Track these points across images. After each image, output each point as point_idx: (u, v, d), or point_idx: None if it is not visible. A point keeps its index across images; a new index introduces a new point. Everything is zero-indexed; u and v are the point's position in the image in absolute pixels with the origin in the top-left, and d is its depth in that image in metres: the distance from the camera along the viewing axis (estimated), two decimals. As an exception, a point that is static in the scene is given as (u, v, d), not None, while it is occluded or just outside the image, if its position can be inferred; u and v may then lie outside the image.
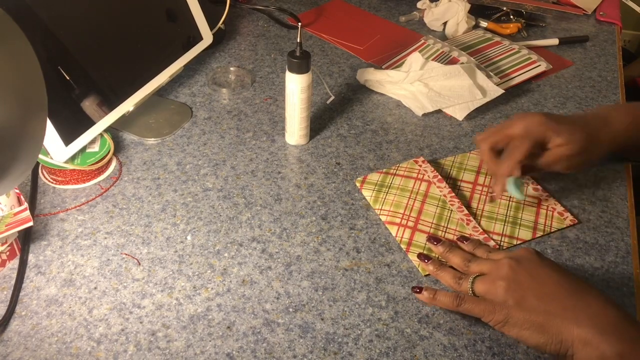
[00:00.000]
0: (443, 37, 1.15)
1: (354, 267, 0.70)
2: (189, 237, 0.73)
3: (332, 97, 0.96)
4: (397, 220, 0.74)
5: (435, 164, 0.83)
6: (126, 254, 0.71)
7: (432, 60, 1.00)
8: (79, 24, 0.81)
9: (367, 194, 0.78)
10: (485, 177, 0.81)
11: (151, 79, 0.90)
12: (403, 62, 1.02)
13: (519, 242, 0.73)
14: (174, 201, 0.78)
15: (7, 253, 0.68)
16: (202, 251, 0.71)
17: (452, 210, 0.75)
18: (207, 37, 1.00)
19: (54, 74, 0.77)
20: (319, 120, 0.92)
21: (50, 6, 0.76)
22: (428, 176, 0.80)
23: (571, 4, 1.26)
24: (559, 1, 1.27)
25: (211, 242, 0.73)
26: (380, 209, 0.76)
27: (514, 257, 0.63)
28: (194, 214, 0.76)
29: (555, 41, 1.14)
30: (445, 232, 0.73)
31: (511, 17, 1.19)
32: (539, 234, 0.74)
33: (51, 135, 0.76)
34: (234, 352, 0.61)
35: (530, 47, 1.09)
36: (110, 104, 0.84)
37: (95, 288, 0.67)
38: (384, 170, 0.81)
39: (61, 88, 0.78)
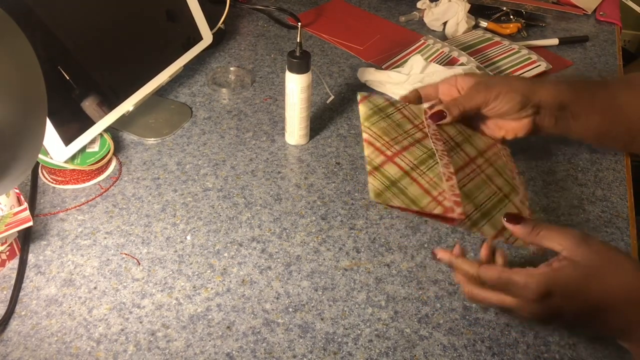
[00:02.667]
0: (443, 37, 1.15)
1: (354, 267, 0.70)
2: (188, 237, 0.73)
3: (332, 97, 0.96)
4: (377, 144, 0.70)
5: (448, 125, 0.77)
6: (126, 254, 0.71)
7: (432, 60, 1.00)
8: (79, 24, 0.81)
9: (363, 109, 0.74)
10: (484, 162, 0.75)
11: (151, 79, 0.90)
12: (403, 62, 1.03)
13: (478, 234, 0.69)
14: (173, 201, 0.78)
15: (7, 253, 0.68)
16: (202, 251, 0.71)
17: (437, 162, 0.70)
18: (207, 37, 1.00)
19: (54, 74, 0.77)
20: (319, 120, 0.92)
21: (50, 6, 0.76)
22: (428, 131, 0.74)
23: (571, 4, 1.26)
24: (559, 1, 1.27)
25: (211, 242, 0.73)
26: (367, 128, 0.72)
27: (547, 293, 0.56)
28: (193, 214, 0.76)
29: (555, 41, 1.14)
30: (421, 176, 0.68)
31: (511, 17, 1.19)
32: (501, 239, 0.68)
33: (51, 135, 0.76)
34: (233, 352, 0.61)
35: (530, 47, 1.09)
36: (110, 104, 0.84)
37: (95, 288, 0.67)
38: (392, 100, 0.77)
39: (61, 88, 0.78)
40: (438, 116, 0.73)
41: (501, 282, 0.58)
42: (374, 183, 0.65)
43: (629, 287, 0.56)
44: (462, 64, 0.99)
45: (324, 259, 0.71)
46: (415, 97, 0.77)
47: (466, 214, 0.67)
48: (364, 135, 0.70)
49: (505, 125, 0.76)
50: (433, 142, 0.73)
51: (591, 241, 0.58)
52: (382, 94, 0.98)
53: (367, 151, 0.69)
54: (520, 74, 1.01)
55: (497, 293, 0.59)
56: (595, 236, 0.61)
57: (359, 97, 0.74)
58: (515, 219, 0.63)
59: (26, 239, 0.71)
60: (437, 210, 0.64)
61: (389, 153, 0.69)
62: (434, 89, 0.77)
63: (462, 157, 0.74)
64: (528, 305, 0.57)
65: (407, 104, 0.76)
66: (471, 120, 0.76)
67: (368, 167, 0.67)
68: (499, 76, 0.78)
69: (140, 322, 0.64)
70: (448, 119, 0.73)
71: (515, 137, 0.75)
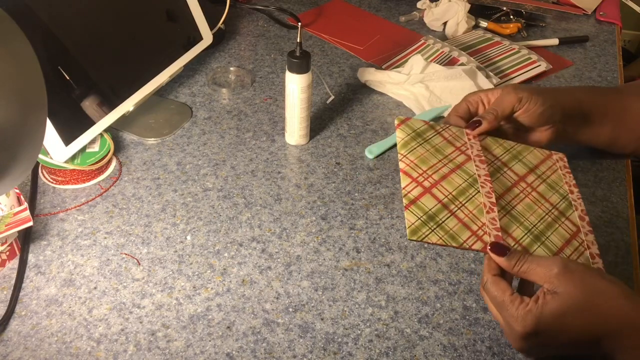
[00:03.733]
0: (443, 37, 1.15)
1: (354, 267, 0.70)
2: (188, 237, 0.73)
3: (332, 97, 0.96)
4: (414, 175, 0.67)
5: (493, 140, 0.74)
6: (126, 254, 0.71)
7: (432, 60, 1.00)
8: (79, 24, 0.81)
9: (401, 135, 0.72)
10: (536, 179, 0.71)
11: (151, 79, 0.90)
12: (403, 62, 1.02)
13: None
14: (173, 201, 0.78)
15: (7, 253, 0.68)
16: (202, 251, 0.71)
17: (478, 191, 0.66)
18: (207, 37, 1.00)
19: (54, 74, 0.77)
20: (319, 120, 0.92)
21: (50, 6, 0.76)
22: (471, 152, 0.71)
23: (571, 4, 1.26)
24: (559, 1, 1.27)
25: (211, 242, 0.73)
26: (404, 156, 0.70)
27: (534, 330, 0.55)
28: (194, 214, 0.76)
29: (555, 41, 1.14)
30: (460, 209, 0.65)
31: (511, 17, 1.19)
32: None
33: (51, 135, 0.76)
34: (233, 352, 0.61)
35: (530, 47, 1.09)
36: (110, 104, 0.84)
37: (95, 288, 0.67)
38: (431, 122, 0.75)
39: (61, 88, 0.78)
40: (473, 125, 0.72)
41: (496, 303, 0.58)
42: (410, 219, 0.62)
43: (619, 314, 0.55)
44: (462, 64, 0.99)
45: (324, 259, 0.71)
46: (455, 119, 0.75)
47: (516, 239, 0.63)
48: (401, 165, 0.68)
49: (530, 136, 0.77)
50: (476, 165, 0.70)
51: (573, 269, 0.56)
52: (381, 94, 0.98)
53: (404, 183, 0.66)
54: (521, 74, 1.01)
55: (494, 308, 0.59)
56: (576, 262, 0.60)
57: (396, 122, 0.73)
58: (501, 250, 0.60)
59: (26, 239, 0.71)
60: (477, 246, 0.61)
61: (426, 184, 0.66)
62: (464, 106, 0.76)
63: (509, 178, 0.70)
64: (515, 338, 0.57)
65: (448, 125, 0.74)
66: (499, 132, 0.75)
67: (405, 201, 0.64)
68: (524, 85, 0.79)
69: (141, 322, 0.64)
70: (484, 125, 0.72)
71: (540, 146, 0.75)
